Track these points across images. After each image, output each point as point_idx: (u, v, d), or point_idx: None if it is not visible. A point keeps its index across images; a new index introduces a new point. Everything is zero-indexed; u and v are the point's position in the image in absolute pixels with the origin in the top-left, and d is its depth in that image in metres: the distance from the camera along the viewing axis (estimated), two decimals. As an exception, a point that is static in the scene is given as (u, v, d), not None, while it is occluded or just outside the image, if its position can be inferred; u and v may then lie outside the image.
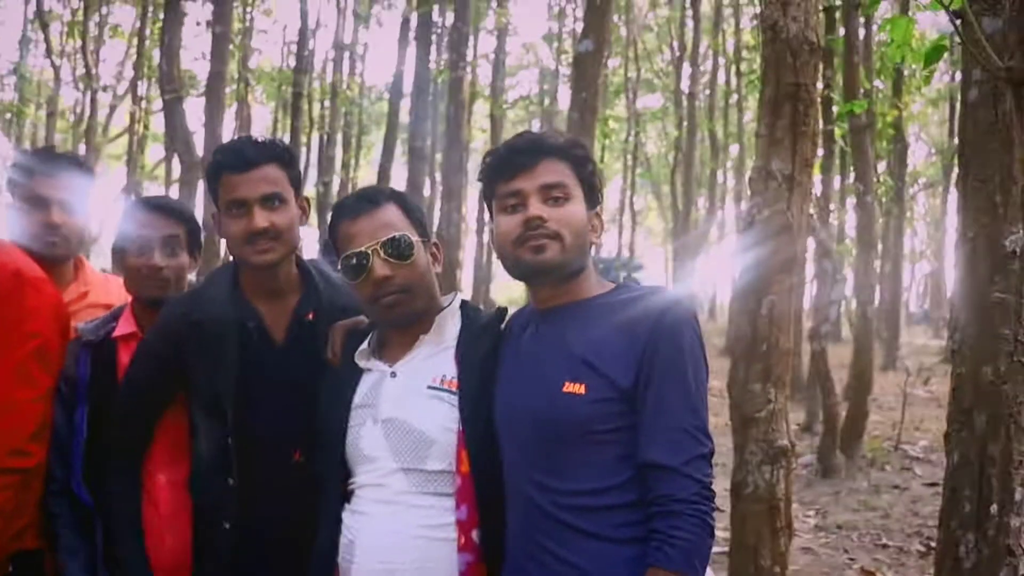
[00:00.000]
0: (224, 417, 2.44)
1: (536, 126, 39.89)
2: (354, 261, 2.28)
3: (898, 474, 9.67)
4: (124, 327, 2.78)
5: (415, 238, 2.32)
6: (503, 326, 2.41)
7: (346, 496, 2.32)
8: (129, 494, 2.56)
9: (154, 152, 33.07)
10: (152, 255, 2.72)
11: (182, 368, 2.47)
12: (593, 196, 2.23)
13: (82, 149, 24.20)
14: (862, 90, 10.39)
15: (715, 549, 2.14)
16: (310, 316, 2.54)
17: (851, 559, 6.66)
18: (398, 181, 20.74)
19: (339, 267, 2.34)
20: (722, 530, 3.72)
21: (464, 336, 2.35)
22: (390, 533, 2.20)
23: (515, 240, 2.14)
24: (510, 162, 2.17)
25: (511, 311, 2.48)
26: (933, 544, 6.94)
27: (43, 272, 2.65)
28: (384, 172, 18.57)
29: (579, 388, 2.04)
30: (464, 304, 2.45)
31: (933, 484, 9.04)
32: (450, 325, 2.37)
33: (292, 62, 23.97)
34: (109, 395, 2.70)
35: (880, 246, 17.40)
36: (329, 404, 2.39)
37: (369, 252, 2.27)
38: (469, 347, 2.32)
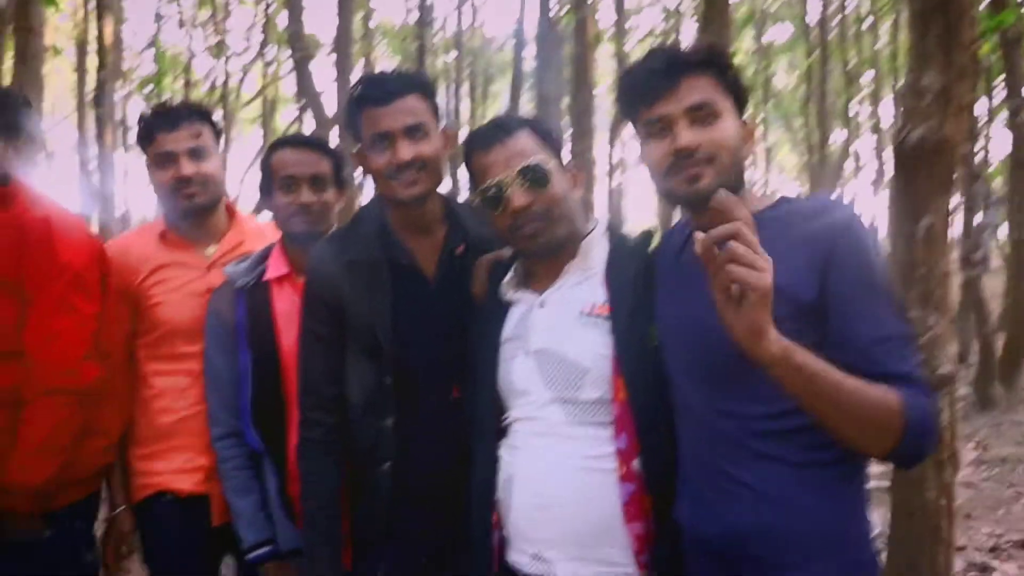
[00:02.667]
0: (381, 357, 2.42)
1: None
2: (491, 192, 2.22)
3: (1062, 405, 9.24)
4: (276, 269, 2.80)
5: (551, 163, 2.25)
6: (653, 247, 2.30)
7: (502, 432, 2.29)
8: (327, 471, 2.49)
9: (284, 115, 33.84)
10: (300, 191, 2.75)
11: (342, 309, 2.45)
12: (741, 102, 2.07)
13: (219, 115, 24.92)
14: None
15: (873, 484, 2.04)
16: (459, 250, 2.51)
17: (1018, 493, 6.39)
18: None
19: (478, 201, 2.28)
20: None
21: (612, 260, 2.27)
22: (549, 466, 2.15)
23: (667, 170, 2.00)
24: (649, 85, 2.01)
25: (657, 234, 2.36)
26: (1106, 476, 6.67)
27: (78, 218, 2.80)
28: (511, 120, 18.52)
29: None
30: (610, 228, 2.36)
31: (1102, 415, 8.63)
32: (596, 250, 2.29)
33: (414, 17, 24.11)
34: (268, 339, 2.75)
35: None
36: (479, 339, 2.35)
37: (505, 181, 2.21)
38: (618, 271, 2.24)
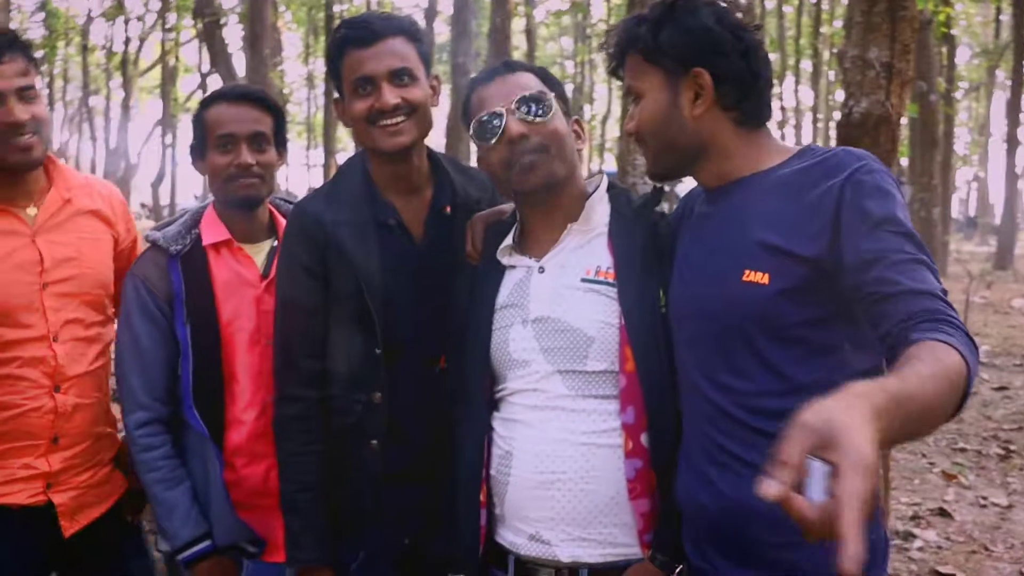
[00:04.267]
0: (371, 326, 2.24)
1: (568, 42, 39.22)
2: (486, 119, 2.08)
3: (964, 379, 9.51)
4: (214, 234, 2.54)
5: (554, 100, 2.12)
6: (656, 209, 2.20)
7: (493, 403, 2.15)
8: (308, 450, 2.30)
9: (185, 84, 32.97)
10: (240, 151, 2.47)
11: (326, 275, 2.26)
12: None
13: (117, 83, 24.09)
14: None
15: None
16: (447, 209, 2.34)
17: (931, 463, 6.57)
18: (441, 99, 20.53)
19: (472, 134, 2.13)
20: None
21: (616, 221, 2.12)
22: (551, 441, 2.01)
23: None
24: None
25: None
26: (1012, 447, 6.91)
27: None
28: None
29: (762, 277, 1.76)
30: (612, 186, 2.21)
31: (1002, 388, 8.96)
32: (599, 210, 2.14)
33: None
34: (209, 311, 2.50)
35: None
36: (470, 304, 2.19)
37: (503, 111, 2.06)
38: (624, 233, 2.09)
